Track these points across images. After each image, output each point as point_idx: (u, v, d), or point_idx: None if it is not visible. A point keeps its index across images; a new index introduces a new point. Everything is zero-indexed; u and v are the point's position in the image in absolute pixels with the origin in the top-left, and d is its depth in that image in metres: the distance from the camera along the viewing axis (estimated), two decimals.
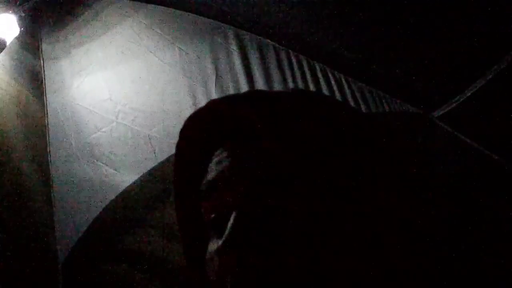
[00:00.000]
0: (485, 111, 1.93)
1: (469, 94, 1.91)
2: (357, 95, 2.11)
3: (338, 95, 2.08)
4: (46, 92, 2.28)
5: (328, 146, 0.42)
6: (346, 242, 0.39)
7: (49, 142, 2.23)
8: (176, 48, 2.16)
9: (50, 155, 2.21)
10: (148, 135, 2.12)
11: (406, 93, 2.10)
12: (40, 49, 2.31)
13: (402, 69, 2.02)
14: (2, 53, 2.20)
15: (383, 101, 2.12)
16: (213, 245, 0.43)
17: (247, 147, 0.45)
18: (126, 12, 2.22)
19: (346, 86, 2.11)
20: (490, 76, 1.86)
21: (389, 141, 0.47)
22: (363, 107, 2.08)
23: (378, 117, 2.14)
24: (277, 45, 2.12)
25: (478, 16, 1.72)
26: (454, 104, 1.98)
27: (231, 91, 2.12)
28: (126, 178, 2.12)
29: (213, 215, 0.44)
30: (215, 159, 0.47)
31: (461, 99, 1.96)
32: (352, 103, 2.06)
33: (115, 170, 2.13)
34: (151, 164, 2.11)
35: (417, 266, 0.40)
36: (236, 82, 2.12)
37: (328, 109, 0.47)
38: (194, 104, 2.10)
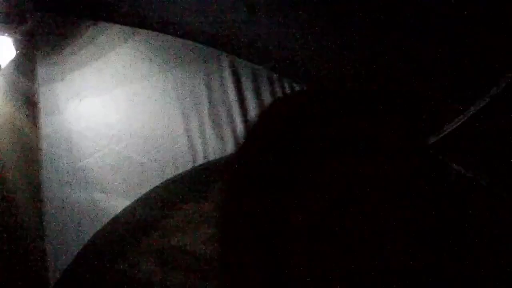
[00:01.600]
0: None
1: (460, 122, 1.89)
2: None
3: None
4: (41, 115, 2.28)
5: (328, 147, 0.42)
6: (346, 242, 0.39)
7: (42, 165, 2.22)
8: (170, 74, 2.16)
9: (43, 178, 2.20)
10: (140, 162, 2.11)
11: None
12: (35, 72, 2.32)
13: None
14: None
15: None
16: None
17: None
18: (122, 37, 2.23)
19: None
20: (486, 101, 1.84)
21: (388, 141, 0.47)
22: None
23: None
24: (270, 72, 2.13)
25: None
26: (446, 132, 1.96)
27: (224, 117, 2.12)
28: (117, 203, 2.12)
29: None
30: None
31: (452, 127, 1.94)
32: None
33: (107, 195, 2.12)
34: (143, 190, 2.10)
35: (416, 266, 0.40)
36: (229, 108, 2.12)
37: (328, 110, 0.47)
38: (187, 130, 2.10)
